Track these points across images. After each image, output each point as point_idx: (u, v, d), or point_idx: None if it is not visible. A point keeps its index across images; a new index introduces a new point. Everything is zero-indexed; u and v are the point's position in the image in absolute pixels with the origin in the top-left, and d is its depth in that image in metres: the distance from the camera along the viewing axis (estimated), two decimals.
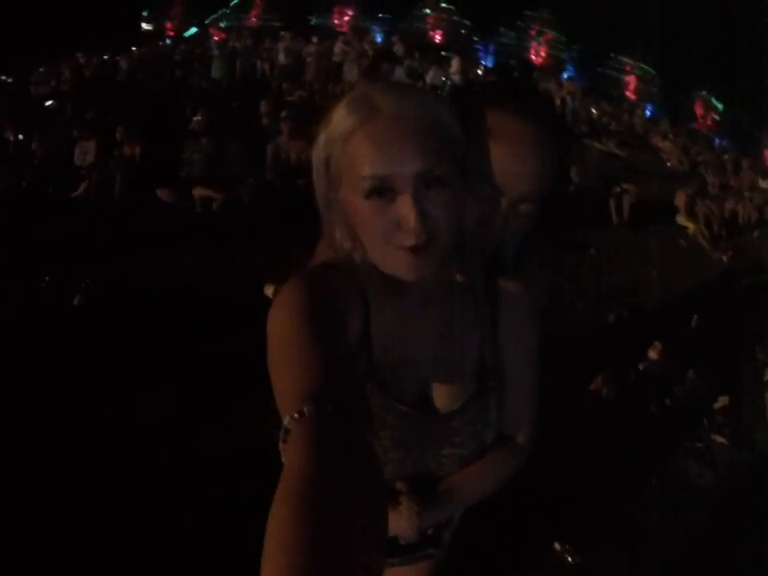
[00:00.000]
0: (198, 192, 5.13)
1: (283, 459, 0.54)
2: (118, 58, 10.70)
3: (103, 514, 2.22)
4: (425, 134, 0.72)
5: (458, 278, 0.91)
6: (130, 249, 4.45)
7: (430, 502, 0.95)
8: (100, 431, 2.65)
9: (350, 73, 7.91)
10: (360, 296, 0.85)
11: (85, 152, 6.16)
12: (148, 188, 5.43)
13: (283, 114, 5.61)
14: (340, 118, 0.74)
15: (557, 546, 2.43)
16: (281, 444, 0.56)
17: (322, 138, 0.78)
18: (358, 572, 0.43)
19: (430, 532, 1.05)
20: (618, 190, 6.74)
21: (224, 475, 2.35)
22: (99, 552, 2.09)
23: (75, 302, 3.69)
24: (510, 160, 0.82)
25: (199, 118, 5.61)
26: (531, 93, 1.00)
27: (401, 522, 0.93)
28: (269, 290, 3.73)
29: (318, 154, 0.79)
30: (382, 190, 0.72)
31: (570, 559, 2.40)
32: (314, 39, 10.55)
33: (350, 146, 0.73)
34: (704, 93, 18.27)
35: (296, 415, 0.55)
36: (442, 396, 0.93)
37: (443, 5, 17.52)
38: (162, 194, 5.33)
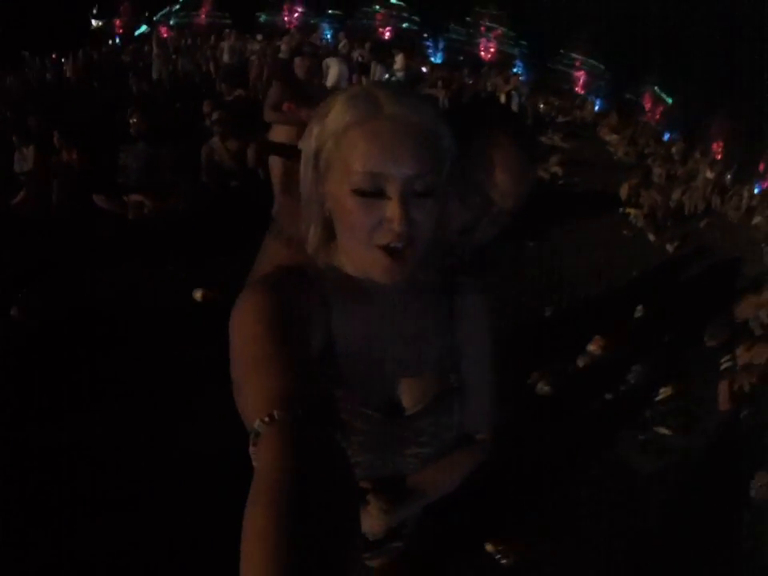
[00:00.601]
0: (131, 198, 5.00)
1: (254, 463, 0.54)
2: (63, 59, 10.34)
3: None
4: (422, 140, 0.73)
5: (421, 282, 0.92)
6: (67, 257, 4.31)
7: (396, 501, 0.99)
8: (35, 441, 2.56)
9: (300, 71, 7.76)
10: (322, 300, 0.84)
11: (24, 158, 5.94)
12: (85, 194, 5.27)
13: (215, 115, 5.51)
14: (338, 112, 0.74)
15: (488, 546, 2.41)
16: (251, 447, 0.56)
17: (314, 130, 0.77)
18: (335, 572, 0.45)
19: (393, 526, 1.08)
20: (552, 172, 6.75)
21: (176, 483, 2.30)
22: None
23: (12, 312, 3.55)
24: (504, 179, 0.95)
25: (135, 120, 5.44)
26: (521, 121, 1.14)
27: (369, 521, 0.97)
28: (197, 294, 3.67)
29: (308, 145, 0.79)
30: (372, 188, 0.73)
31: (503, 561, 2.38)
32: (259, 37, 10.39)
33: (345, 141, 0.74)
34: (655, 87, 18.75)
35: (266, 419, 0.56)
36: (407, 398, 0.94)
37: (393, 1, 17.55)
38: (98, 200, 5.17)
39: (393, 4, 17.60)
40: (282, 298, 0.77)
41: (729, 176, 13.30)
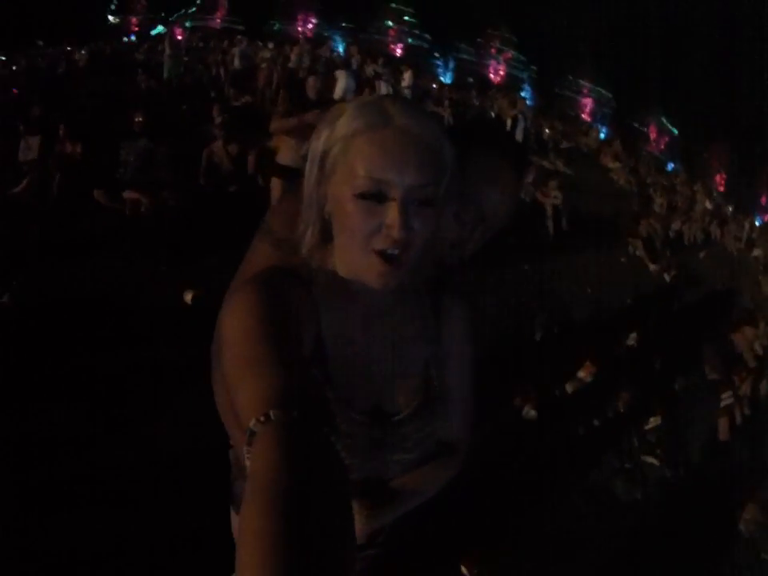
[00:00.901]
0: (127, 195, 5.02)
1: (247, 462, 0.54)
2: (73, 51, 10.40)
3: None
4: (426, 153, 0.76)
5: (411, 289, 0.93)
6: (62, 249, 4.31)
7: (378, 506, 0.99)
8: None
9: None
10: (313, 301, 0.85)
11: (29, 148, 5.96)
12: (86, 188, 5.29)
13: (218, 119, 5.54)
14: (348, 118, 0.77)
15: (463, 568, 2.37)
16: (245, 447, 0.56)
17: (324, 133, 0.80)
18: (332, 572, 0.44)
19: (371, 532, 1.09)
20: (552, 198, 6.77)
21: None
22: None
23: (3, 299, 3.53)
24: (495, 196, 1.00)
25: (140, 119, 5.46)
26: (517, 143, 1.17)
27: None
28: (187, 297, 3.65)
29: (316, 146, 0.81)
30: (374, 194, 0.75)
31: None
32: (270, 45, 10.47)
33: (352, 146, 0.76)
34: (661, 118, 18.93)
35: (261, 418, 0.56)
36: (392, 403, 0.95)
37: (406, 18, 17.69)
38: (97, 194, 5.18)
39: (406, 20, 17.78)
40: (275, 297, 0.78)
41: (730, 208, 13.41)
